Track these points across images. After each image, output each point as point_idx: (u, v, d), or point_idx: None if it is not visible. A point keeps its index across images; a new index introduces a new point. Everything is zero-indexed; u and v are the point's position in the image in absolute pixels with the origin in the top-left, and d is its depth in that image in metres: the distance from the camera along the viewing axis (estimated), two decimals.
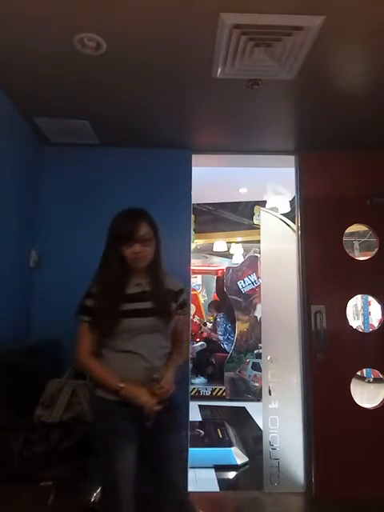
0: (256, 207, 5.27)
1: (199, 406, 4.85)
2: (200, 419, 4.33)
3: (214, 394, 5.38)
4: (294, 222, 2.92)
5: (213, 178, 3.81)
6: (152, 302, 1.59)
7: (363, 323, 7.01)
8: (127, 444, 1.50)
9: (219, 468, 3.04)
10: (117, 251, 1.59)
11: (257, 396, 4.97)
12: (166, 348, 1.64)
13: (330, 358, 2.63)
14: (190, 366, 2.90)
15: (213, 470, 3.00)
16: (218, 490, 2.75)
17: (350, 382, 2.67)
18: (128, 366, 1.54)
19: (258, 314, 5.57)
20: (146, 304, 1.59)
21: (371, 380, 6.34)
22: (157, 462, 1.57)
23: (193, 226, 3.40)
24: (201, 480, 2.78)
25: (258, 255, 5.64)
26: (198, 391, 5.37)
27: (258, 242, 3.20)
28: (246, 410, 4.82)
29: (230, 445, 3.34)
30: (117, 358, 1.56)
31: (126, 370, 1.53)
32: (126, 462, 1.48)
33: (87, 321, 1.56)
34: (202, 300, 8.01)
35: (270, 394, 2.77)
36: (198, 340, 6.10)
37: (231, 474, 3.02)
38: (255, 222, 5.38)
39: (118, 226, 1.64)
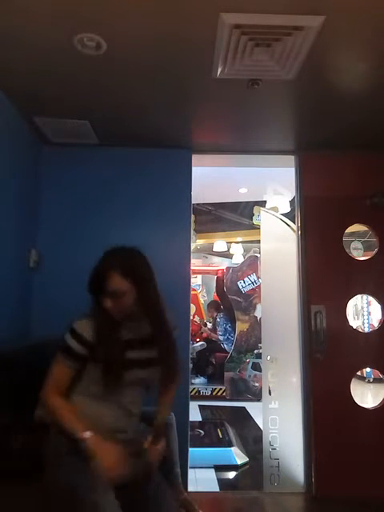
0: (256, 207, 5.28)
1: (199, 406, 4.86)
2: (200, 419, 4.33)
3: (214, 393, 5.39)
4: (294, 222, 2.91)
5: (213, 178, 3.81)
6: (156, 351, 1.44)
7: (363, 323, 7.01)
8: (106, 488, 1.23)
9: (219, 468, 3.04)
10: (98, 299, 1.41)
11: (257, 396, 4.98)
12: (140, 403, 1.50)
13: (330, 357, 2.63)
14: (190, 366, 2.90)
15: (213, 470, 3.00)
16: (218, 489, 2.75)
17: (350, 381, 2.67)
18: (107, 415, 1.39)
19: (258, 313, 5.57)
20: (150, 353, 1.44)
21: (371, 380, 6.34)
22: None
23: (193, 226, 3.40)
24: (201, 480, 2.78)
25: (258, 255, 5.64)
26: (198, 391, 5.38)
27: (258, 241, 3.20)
28: (246, 410, 4.82)
29: (230, 445, 3.34)
30: (94, 406, 1.39)
31: (104, 419, 1.37)
32: (110, 500, 1.22)
33: (69, 366, 1.39)
34: (201, 300, 8.01)
35: (270, 394, 2.77)
36: (197, 340, 6.10)
37: (231, 474, 3.03)
38: (255, 222, 5.38)
39: (91, 272, 1.41)
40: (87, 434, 1.26)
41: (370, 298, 5.20)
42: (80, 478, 1.25)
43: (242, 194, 4.54)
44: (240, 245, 7.27)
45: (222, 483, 2.84)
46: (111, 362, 1.35)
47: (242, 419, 4.48)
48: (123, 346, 1.39)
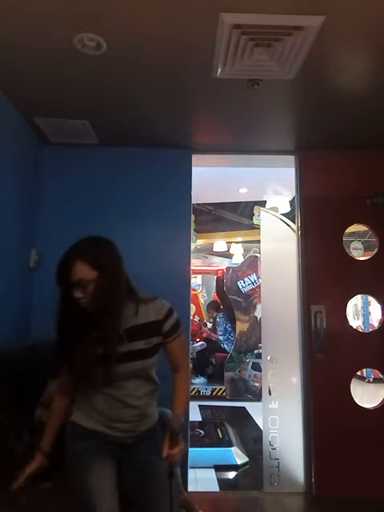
0: (256, 207, 5.28)
1: (199, 405, 4.85)
2: (200, 419, 4.33)
3: (214, 393, 5.38)
4: (294, 222, 2.91)
5: (213, 178, 3.82)
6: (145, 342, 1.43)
7: (363, 323, 7.01)
8: (100, 459, 1.37)
9: (219, 468, 3.04)
10: (66, 293, 1.41)
11: (257, 396, 4.97)
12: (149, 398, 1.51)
13: (330, 357, 2.63)
14: (190, 366, 2.90)
15: (213, 470, 3.00)
16: (218, 489, 2.75)
17: (350, 382, 2.67)
18: (101, 410, 1.41)
19: (258, 313, 5.57)
20: (142, 344, 1.44)
21: (371, 380, 6.34)
22: (134, 496, 1.40)
23: (193, 226, 3.40)
24: (201, 480, 2.78)
25: (258, 255, 5.64)
26: (198, 391, 5.37)
27: (258, 241, 3.20)
28: (246, 410, 4.82)
29: (230, 445, 3.34)
30: (89, 397, 1.42)
31: (100, 413, 1.41)
32: (101, 476, 1.34)
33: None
34: (201, 300, 8.01)
35: (270, 394, 2.77)
36: (197, 340, 6.10)
37: (231, 474, 3.03)
38: (255, 222, 5.38)
39: (56, 267, 1.40)
40: (39, 455, 1.43)
41: (370, 298, 5.20)
42: (78, 452, 1.39)
43: (242, 193, 4.55)
44: (240, 245, 7.27)
45: (222, 483, 2.84)
46: (74, 361, 1.37)
47: (242, 419, 4.48)
48: (91, 343, 1.36)
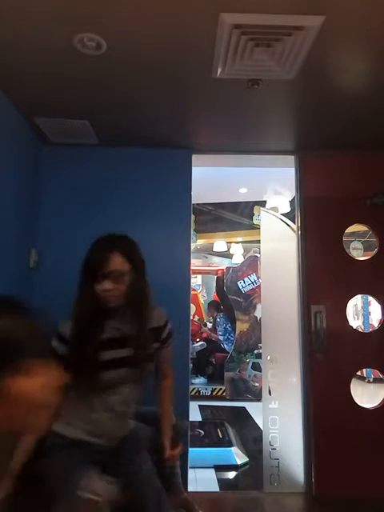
0: (256, 207, 5.28)
1: (199, 405, 4.86)
2: (200, 419, 4.33)
3: (214, 393, 5.39)
4: (294, 222, 2.92)
5: (213, 178, 3.81)
6: (129, 349, 1.39)
7: (363, 323, 7.01)
8: (86, 468, 1.30)
9: (219, 468, 3.03)
10: (90, 287, 1.37)
11: (257, 396, 4.97)
12: (135, 403, 1.48)
13: (330, 357, 2.63)
14: (190, 366, 2.90)
15: (213, 470, 3.00)
16: (218, 489, 2.75)
17: (350, 382, 2.67)
18: (92, 418, 1.37)
19: (258, 313, 5.57)
20: (122, 352, 1.39)
21: (371, 380, 6.34)
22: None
23: (193, 226, 3.40)
24: (201, 480, 2.78)
25: (258, 255, 5.64)
26: (198, 391, 5.38)
27: (258, 241, 3.20)
28: (246, 409, 4.82)
29: (230, 445, 3.34)
30: (80, 408, 1.37)
31: (87, 421, 1.37)
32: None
33: None
34: (201, 300, 8.01)
35: (270, 394, 2.77)
36: (197, 340, 6.10)
37: (231, 474, 3.03)
38: (255, 222, 5.38)
39: (87, 257, 1.42)
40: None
41: (370, 298, 5.20)
42: (59, 477, 1.29)
43: (242, 193, 4.54)
44: (240, 245, 7.28)
45: (222, 483, 2.84)
46: (82, 363, 1.31)
47: (242, 419, 4.48)
48: (98, 346, 1.35)
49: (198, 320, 6.89)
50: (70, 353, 1.33)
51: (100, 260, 1.37)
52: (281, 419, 2.74)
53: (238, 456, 3.18)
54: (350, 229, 2.86)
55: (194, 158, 2.86)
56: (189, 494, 2.34)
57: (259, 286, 5.25)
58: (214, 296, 7.45)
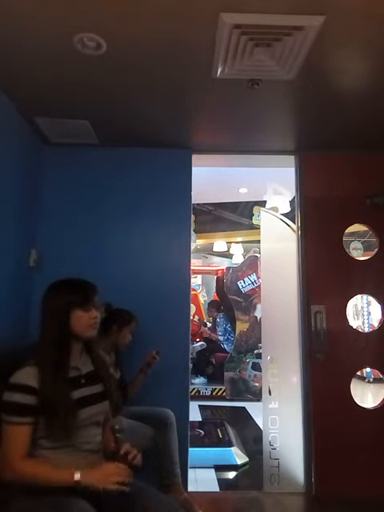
0: (255, 208, 5.28)
1: (199, 405, 4.86)
2: (200, 419, 4.33)
3: (214, 393, 5.38)
4: (294, 222, 2.92)
5: (213, 178, 3.82)
6: (102, 385, 1.44)
7: (363, 323, 7.01)
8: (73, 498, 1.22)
9: (219, 468, 3.04)
10: (65, 323, 1.38)
11: (257, 396, 4.97)
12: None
13: (330, 357, 2.63)
14: (190, 366, 2.90)
15: (213, 470, 3.00)
16: (218, 489, 2.75)
17: (350, 382, 2.67)
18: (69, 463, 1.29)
19: (258, 313, 5.57)
20: (97, 388, 1.43)
21: (371, 380, 6.34)
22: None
23: (193, 226, 3.40)
24: (201, 480, 2.78)
25: (258, 255, 5.64)
26: (198, 391, 5.37)
27: (258, 241, 3.20)
28: (246, 409, 4.82)
29: (230, 445, 3.34)
30: (54, 456, 1.31)
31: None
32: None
33: (24, 422, 1.25)
34: (202, 300, 8.01)
35: (270, 394, 2.77)
36: (197, 340, 6.10)
37: (231, 474, 3.02)
38: (255, 222, 5.39)
39: (73, 289, 1.44)
40: (77, 475, 1.21)
41: (370, 298, 5.20)
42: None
43: (242, 193, 4.55)
44: (240, 245, 7.28)
45: (222, 483, 2.84)
46: (58, 406, 1.27)
47: (242, 419, 4.48)
48: (70, 387, 1.35)
49: (198, 320, 6.89)
50: (49, 396, 1.28)
51: (92, 290, 1.45)
52: (281, 419, 2.74)
53: (238, 456, 3.18)
54: (350, 229, 2.86)
55: (194, 157, 2.86)
56: (189, 494, 2.34)
57: (259, 286, 5.25)
58: (214, 296, 7.44)
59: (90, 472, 1.24)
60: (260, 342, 3.68)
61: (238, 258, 7.21)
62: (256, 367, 5.26)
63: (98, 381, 1.45)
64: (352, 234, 4.55)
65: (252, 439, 3.75)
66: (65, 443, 1.32)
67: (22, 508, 1.26)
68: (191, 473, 2.69)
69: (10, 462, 1.24)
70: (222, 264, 7.74)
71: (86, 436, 1.37)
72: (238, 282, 5.77)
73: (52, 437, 1.30)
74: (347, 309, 2.77)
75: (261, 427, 2.90)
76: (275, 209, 4.06)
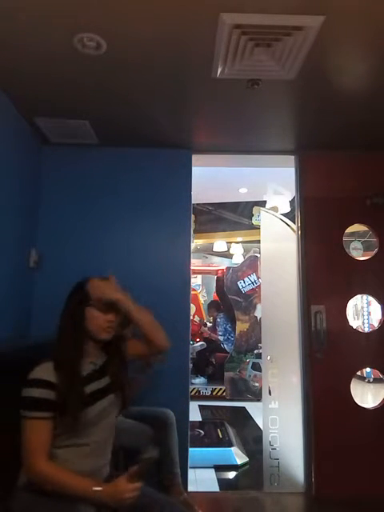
0: (255, 207, 5.28)
1: (199, 405, 4.85)
2: (200, 419, 4.33)
3: (214, 393, 5.38)
4: (294, 222, 2.92)
5: (213, 178, 3.82)
6: (109, 377, 1.41)
7: (363, 323, 7.01)
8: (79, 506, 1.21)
9: (219, 468, 3.03)
10: (80, 321, 1.37)
11: (257, 396, 4.97)
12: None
13: (330, 357, 2.63)
14: (190, 366, 2.90)
15: (213, 470, 3.00)
16: (218, 489, 2.75)
17: (350, 381, 2.67)
18: (78, 463, 1.28)
19: (258, 313, 5.57)
20: (103, 381, 1.40)
21: (371, 380, 6.33)
22: None
23: (193, 226, 3.40)
24: (201, 480, 2.78)
25: (258, 255, 5.64)
26: (198, 391, 5.37)
27: (258, 241, 3.20)
28: (246, 410, 4.82)
29: (230, 445, 3.34)
30: (68, 458, 1.28)
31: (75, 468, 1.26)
32: None
33: (46, 417, 1.24)
34: (202, 300, 8.01)
35: (270, 394, 2.77)
36: (197, 340, 6.10)
37: (231, 474, 3.02)
38: (255, 222, 5.38)
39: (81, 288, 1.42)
40: (97, 488, 1.19)
41: (370, 298, 5.20)
42: None
43: (242, 193, 4.55)
44: (240, 245, 7.27)
45: (222, 483, 2.84)
46: (70, 401, 1.26)
47: (242, 419, 4.48)
48: (84, 381, 1.34)
49: (198, 320, 6.89)
50: (64, 395, 1.27)
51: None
52: (281, 419, 2.74)
53: (238, 456, 3.18)
54: (350, 229, 2.86)
55: (194, 157, 2.86)
56: (189, 494, 2.34)
57: (259, 286, 5.25)
58: (214, 296, 7.44)
59: (107, 488, 1.21)
60: (260, 342, 3.68)
61: (237, 258, 7.21)
62: (256, 367, 5.26)
63: (106, 375, 1.43)
64: (352, 233, 4.55)
65: (252, 439, 3.74)
66: (73, 442, 1.29)
67: (27, 506, 1.26)
68: (191, 473, 2.69)
69: (33, 463, 1.21)
70: (221, 264, 7.74)
71: (101, 431, 1.35)
72: (238, 282, 5.77)
73: (64, 434, 1.28)
74: (347, 309, 2.77)
75: (261, 427, 2.90)
76: (275, 209, 4.06)
